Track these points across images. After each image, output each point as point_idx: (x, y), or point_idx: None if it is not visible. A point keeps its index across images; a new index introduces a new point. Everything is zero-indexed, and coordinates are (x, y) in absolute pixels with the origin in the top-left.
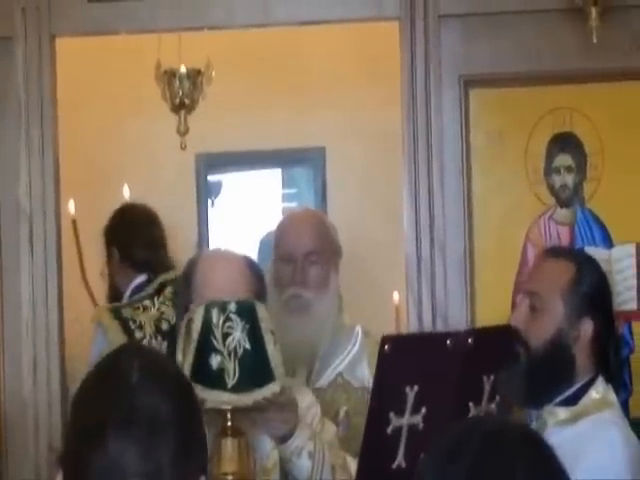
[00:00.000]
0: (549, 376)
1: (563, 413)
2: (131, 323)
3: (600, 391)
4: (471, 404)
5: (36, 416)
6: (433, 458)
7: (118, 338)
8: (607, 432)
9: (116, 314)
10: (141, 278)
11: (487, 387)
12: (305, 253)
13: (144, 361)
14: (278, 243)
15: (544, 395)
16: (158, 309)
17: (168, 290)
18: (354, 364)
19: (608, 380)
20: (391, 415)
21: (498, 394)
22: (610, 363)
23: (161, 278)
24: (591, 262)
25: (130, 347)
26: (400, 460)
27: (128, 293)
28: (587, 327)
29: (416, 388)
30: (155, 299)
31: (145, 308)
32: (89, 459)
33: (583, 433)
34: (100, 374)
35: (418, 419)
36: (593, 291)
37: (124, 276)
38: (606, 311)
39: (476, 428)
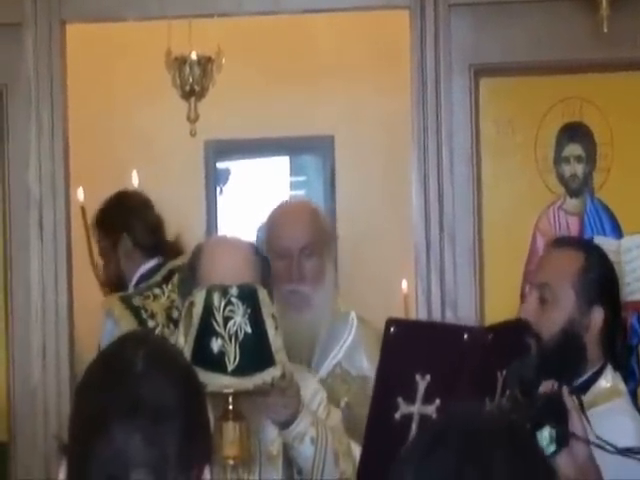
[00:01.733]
0: (562, 366)
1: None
2: (143, 312)
3: (609, 380)
4: (487, 400)
5: (45, 403)
6: (413, 451)
7: (131, 327)
8: (619, 420)
9: (127, 303)
10: (151, 263)
11: (500, 382)
12: (300, 248)
13: (149, 349)
14: (271, 238)
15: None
16: (168, 297)
17: (177, 277)
18: (351, 353)
19: (616, 368)
20: (399, 400)
21: (508, 388)
22: (617, 351)
23: (170, 265)
24: (599, 251)
25: (135, 335)
26: None
27: (134, 281)
28: (598, 315)
29: (428, 378)
30: (164, 287)
31: (155, 296)
32: (93, 448)
33: (594, 422)
34: (105, 362)
35: (432, 409)
36: (602, 279)
37: (133, 263)
38: (614, 299)
39: (456, 421)
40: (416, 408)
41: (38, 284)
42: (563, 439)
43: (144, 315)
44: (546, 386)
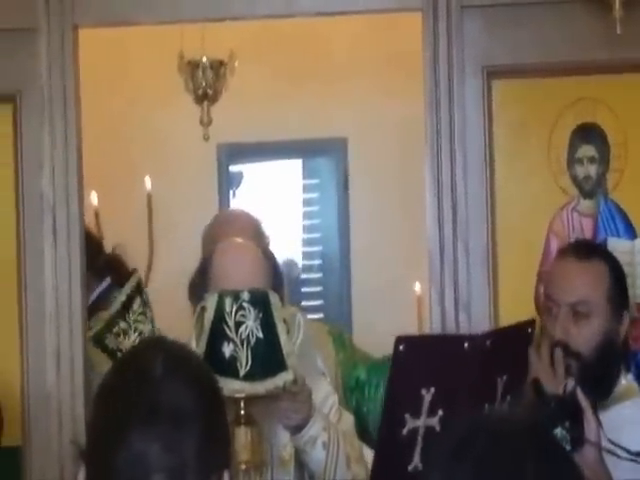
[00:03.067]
0: (603, 377)
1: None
2: (119, 354)
3: (628, 379)
4: (486, 405)
5: (59, 406)
6: (439, 456)
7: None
8: None
9: (102, 345)
10: (105, 284)
11: (500, 388)
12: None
13: (168, 355)
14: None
15: (602, 395)
16: (135, 329)
17: (137, 303)
18: (302, 352)
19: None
20: (407, 417)
21: (509, 394)
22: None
23: (126, 289)
24: (613, 256)
25: (153, 341)
26: (417, 462)
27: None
28: (626, 320)
29: (432, 390)
30: (128, 317)
31: (125, 333)
32: (113, 454)
33: (618, 420)
34: (123, 368)
35: (435, 421)
36: (625, 285)
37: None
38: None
39: (482, 424)
40: (421, 421)
41: (52, 289)
42: (577, 440)
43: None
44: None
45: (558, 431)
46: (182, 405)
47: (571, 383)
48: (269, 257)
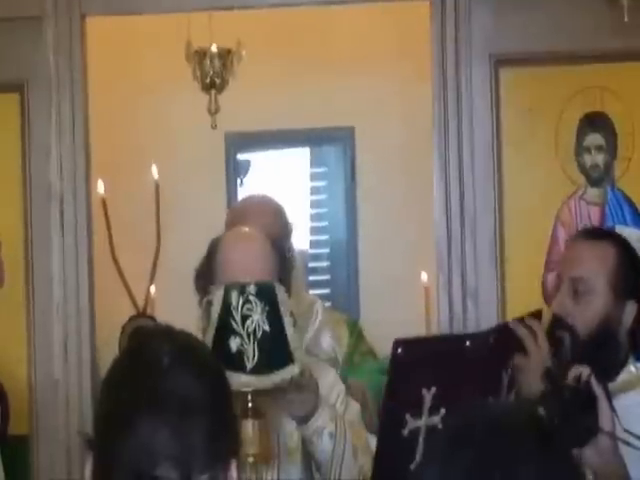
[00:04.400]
0: (596, 361)
1: None
2: None
3: (636, 367)
4: (490, 399)
5: (67, 396)
6: (438, 445)
7: None
8: None
9: None
10: None
11: (505, 381)
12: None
13: (175, 344)
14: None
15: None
16: None
17: None
18: (317, 336)
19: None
20: (407, 417)
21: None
22: (638, 341)
23: None
24: (629, 244)
25: (160, 330)
26: (419, 461)
27: None
28: (631, 310)
29: (434, 390)
30: None
31: None
32: (119, 443)
33: (628, 409)
34: (131, 358)
35: (437, 420)
36: (635, 273)
37: None
38: None
39: (481, 414)
40: (423, 421)
41: (59, 278)
42: (591, 430)
43: None
44: (575, 372)
45: (572, 421)
46: (189, 394)
47: (586, 372)
48: (277, 246)
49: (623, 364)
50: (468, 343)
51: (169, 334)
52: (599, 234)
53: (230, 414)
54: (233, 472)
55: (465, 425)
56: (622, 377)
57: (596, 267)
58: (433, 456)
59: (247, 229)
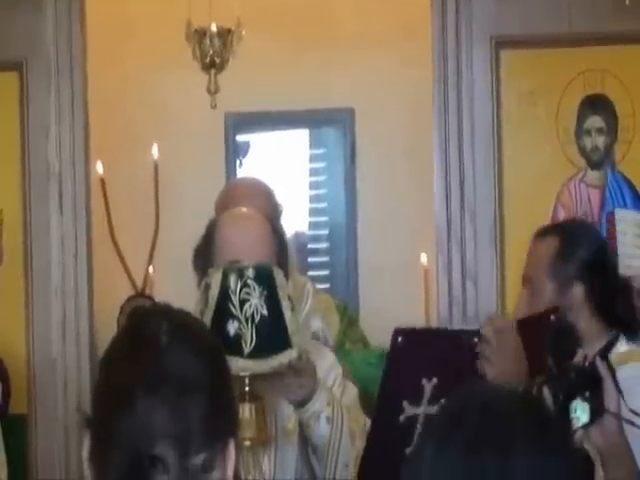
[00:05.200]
0: (557, 349)
1: None
2: None
3: (625, 345)
4: None
5: (65, 375)
6: (432, 428)
7: None
8: None
9: None
10: None
11: None
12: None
13: (173, 323)
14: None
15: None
16: None
17: None
18: (307, 319)
19: (631, 339)
20: (405, 404)
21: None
22: (621, 315)
23: None
24: (578, 229)
25: (158, 309)
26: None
27: None
28: (577, 291)
29: (435, 381)
30: None
31: None
32: (117, 422)
33: (624, 380)
34: (128, 337)
35: (435, 409)
36: (579, 255)
37: None
38: (604, 267)
39: (475, 397)
40: (422, 409)
41: (58, 257)
42: (597, 411)
43: None
44: (580, 355)
45: (578, 402)
46: (187, 373)
47: (591, 353)
48: (276, 229)
49: (612, 343)
50: (476, 340)
51: (167, 313)
52: (545, 231)
53: (229, 394)
54: (231, 451)
55: (460, 407)
56: (611, 355)
57: (536, 264)
58: (429, 438)
59: (244, 209)
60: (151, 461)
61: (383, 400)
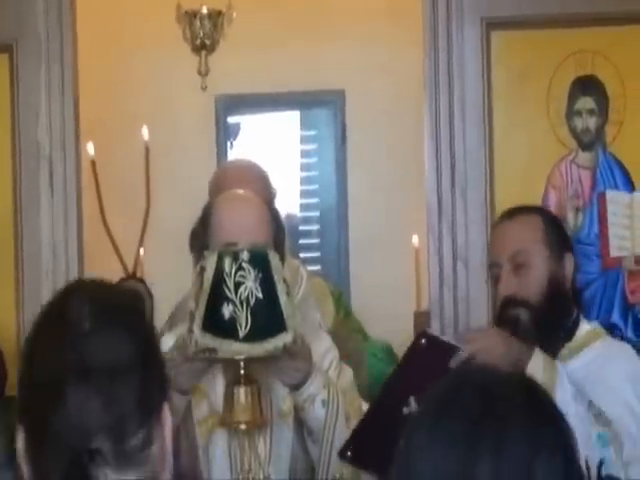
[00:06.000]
0: (557, 319)
1: (563, 350)
2: None
3: (593, 325)
4: None
5: None
6: (426, 410)
7: None
8: (623, 346)
9: None
10: None
11: None
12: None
13: (94, 304)
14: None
15: (558, 340)
16: None
17: None
18: (302, 305)
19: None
20: (412, 400)
21: None
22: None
23: None
24: (543, 208)
25: (75, 287)
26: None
27: None
28: (569, 262)
29: None
30: None
31: None
32: (51, 416)
33: (599, 355)
34: (50, 324)
35: None
36: (563, 229)
37: None
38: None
39: (469, 378)
40: None
41: (48, 238)
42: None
43: None
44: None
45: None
46: (116, 358)
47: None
48: (272, 211)
49: (577, 322)
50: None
51: (86, 292)
52: (517, 210)
53: (160, 366)
54: (166, 413)
55: (454, 391)
56: (578, 335)
57: (527, 234)
58: (423, 422)
59: (241, 191)
60: (90, 456)
61: (390, 389)
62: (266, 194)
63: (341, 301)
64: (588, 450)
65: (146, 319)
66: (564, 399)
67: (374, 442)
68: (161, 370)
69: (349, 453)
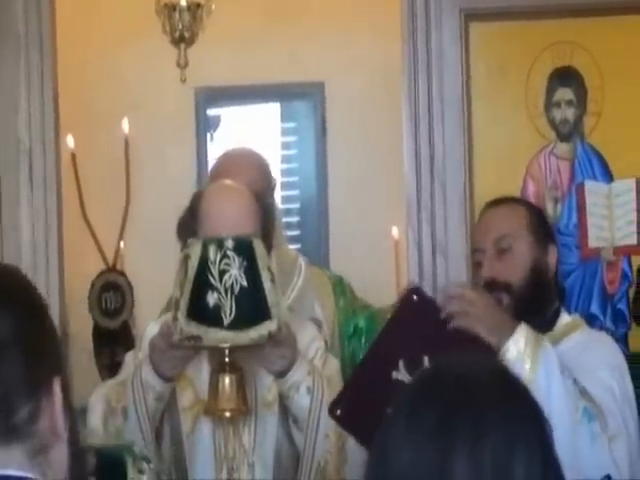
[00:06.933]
0: (538, 307)
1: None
2: None
3: (573, 316)
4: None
5: None
6: (404, 401)
7: None
8: (602, 335)
9: None
10: None
11: None
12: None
13: None
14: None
15: (538, 328)
16: None
17: None
18: (302, 296)
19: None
20: (401, 364)
21: None
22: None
23: None
24: (527, 200)
25: None
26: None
27: None
28: (552, 254)
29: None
30: None
31: None
32: None
33: (579, 343)
34: None
35: None
36: (546, 222)
37: None
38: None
39: (446, 369)
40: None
41: (28, 233)
42: None
43: None
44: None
45: None
46: None
47: None
48: (262, 202)
49: (557, 312)
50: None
51: None
52: (503, 200)
53: (49, 336)
54: (56, 389)
55: (430, 382)
56: (558, 325)
57: (513, 220)
58: (400, 413)
59: (230, 182)
60: None
61: (380, 348)
62: (263, 184)
63: (343, 285)
64: (575, 421)
65: (31, 293)
66: (551, 373)
67: (362, 408)
68: (51, 344)
69: (339, 412)
